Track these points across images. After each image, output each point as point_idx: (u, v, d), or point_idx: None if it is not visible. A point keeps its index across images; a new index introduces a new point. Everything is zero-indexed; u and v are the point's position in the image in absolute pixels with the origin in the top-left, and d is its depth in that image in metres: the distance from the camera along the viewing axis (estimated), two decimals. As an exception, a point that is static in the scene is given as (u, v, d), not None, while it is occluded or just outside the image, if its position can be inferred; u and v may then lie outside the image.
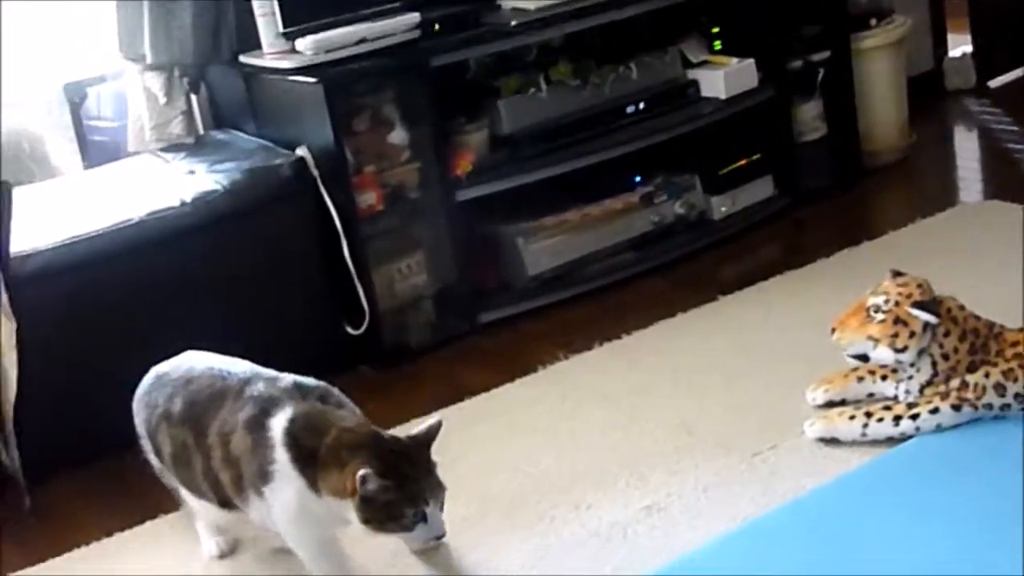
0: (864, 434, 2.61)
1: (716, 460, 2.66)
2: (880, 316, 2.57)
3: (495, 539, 2.50)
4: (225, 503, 2.34)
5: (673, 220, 3.81)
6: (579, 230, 3.67)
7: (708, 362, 3.11)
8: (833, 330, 2.65)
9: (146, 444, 2.50)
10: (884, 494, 2.43)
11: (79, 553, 2.72)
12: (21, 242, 2.89)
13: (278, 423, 2.22)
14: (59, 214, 3.18)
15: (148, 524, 2.77)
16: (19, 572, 2.67)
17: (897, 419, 2.58)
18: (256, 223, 3.27)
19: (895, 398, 2.66)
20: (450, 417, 3.01)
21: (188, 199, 3.20)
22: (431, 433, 2.23)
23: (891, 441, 2.58)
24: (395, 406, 3.05)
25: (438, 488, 2.19)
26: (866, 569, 2.21)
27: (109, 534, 2.76)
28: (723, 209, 3.90)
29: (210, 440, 2.30)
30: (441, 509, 2.18)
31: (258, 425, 2.23)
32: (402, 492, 2.12)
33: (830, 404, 2.76)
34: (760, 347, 3.13)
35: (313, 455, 2.18)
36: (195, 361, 2.49)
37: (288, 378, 2.33)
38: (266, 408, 2.25)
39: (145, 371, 3.06)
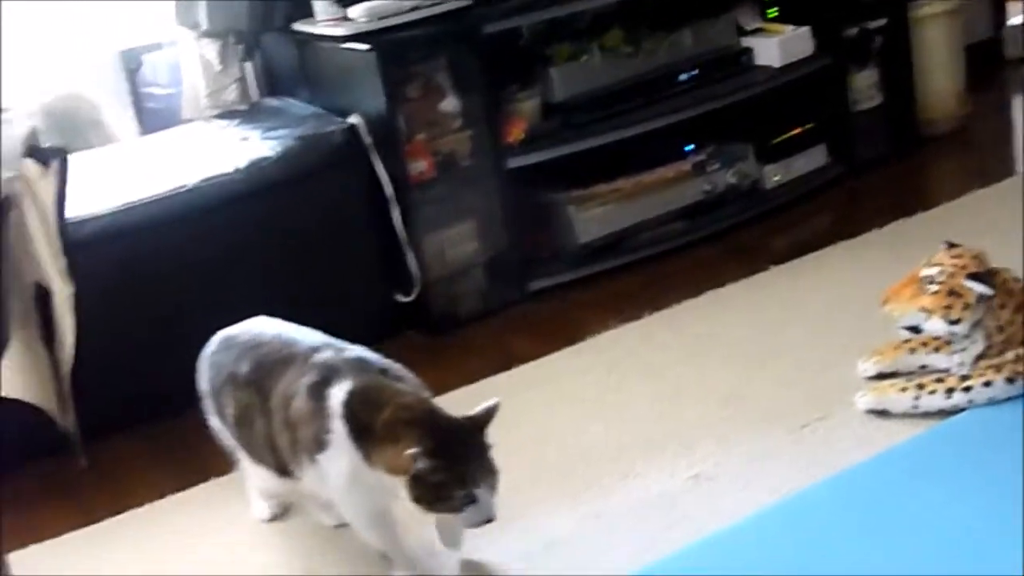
0: (915, 406, 2.59)
1: (765, 431, 2.65)
2: (934, 287, 2.55)
3: (543, 506, 2.51)
4: (282, 469, 2.35)
5: (725, 189, 3.79)
6: (630, 198, 3.66)
7: (758, 332, 3.09)
8: (885, 301, 2.63)
9: (209, 404, 2.52)
10: (935, 467, 2.41)
11: (133, 514, 2.76)
12: (78, 207, 2.92)
13: (337, 394, 2.22)
14: (115, 180, 3.21)
15: (200, 486, 2.80)
16: (75, 531, 2.72)
17: (949, 391, 2.56)
18: (308, 190, 3.29)
19: (948, 370, 2.63)
20: (499, 384, 3.04)
21: (241, 166, 3.22)
22: (487, 415, 2.20)
23: (943, 414, 2.56)
24: (444, 373, 3.06)
25: (490, 471, 2.16)
26: (915, 542, 2.19)
27: (162, 495, 2.80)
28: (776, 178, 3.88)
29: (273, 403, 2.31)
30: (493, 493, 2.15)
31: (318, 393, 2.24)
32: (452, 473, 2.11)
33: (881, 376, 2.74)
34: (811, 318, 3.11)
35: (369, 429, 2.18)
36: (264, 326, 2.50)
37: (354, 350, 2.33)
38: (327, 377, 2.25)
39: (198, 335, 3.09)
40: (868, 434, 2.57)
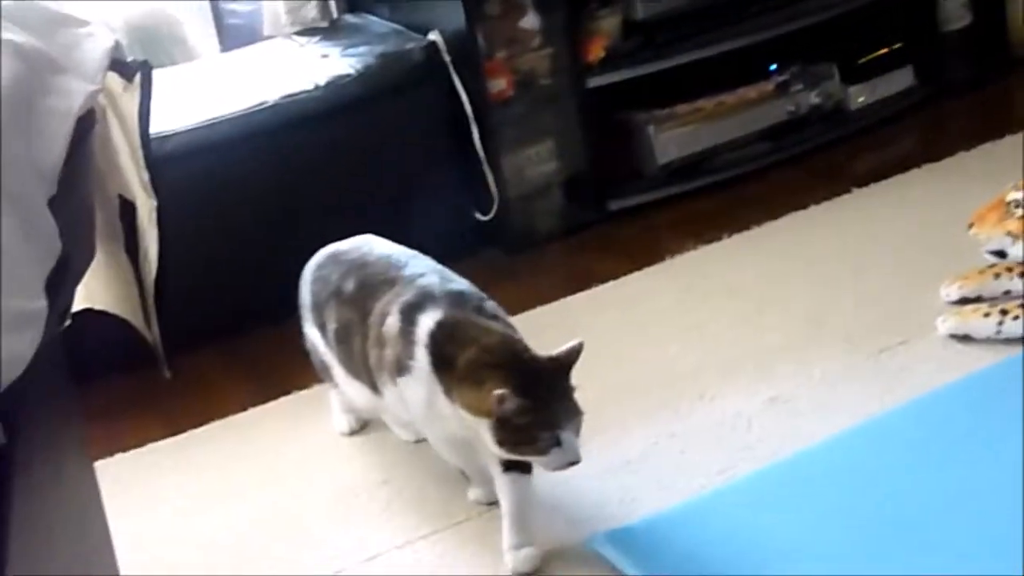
0: (998, 332, 2.55)
1: (844, 354, 2.63)
2: (1020, 212, 2.51)
3: (618, 425, 2.52)
4: (374, 386, 2.33)
5: (808, 110, 3.73)
6: (711, 119, 3.61)
7: (840, 255, 3.06)
8: (971, 225, 2.60)
9: (309, 316, 2.51)
10: (1016, 393, 2.38)
11: (215, 425, 2.81)
12: (160, 123, 2.94)
13: (426, 321, 2.17)
14: (196, 97, 3.23)
15: (281, 400, 2.84)
16: (159, 441, 2.78)
17: (1033, 318, 2.53)
18: (387, 107, 3.30)
19: (1032, 296, 2.60)
20: (576, 304, 3.05)
21: (321, 83, 3.23)
22: (572, 356, 2.10)
23: (1026, 340, 2.54)
24: (522, 291, 3.07)
25: (575, 413, 2.09)
26: (995, 467, 2.18)
27: (244, 408, 2.85)
28: (861, 99, 3.81)
29: (371, 320, 2.28)
30: (577, 434, 2.08)
31: (409, 316, 2.19)
32: (538, 415, 2.03)
33: (964, 301, 2.70)
34: (894, 241, 3.07)
35: (451, 364, 2.12)
36: (373, 245, 2.47)
37: (459, 282, 2.27)
38: (421, 303, 2.20)
39: (279, 251, 3.10)
40: (949, 359, 2.54)
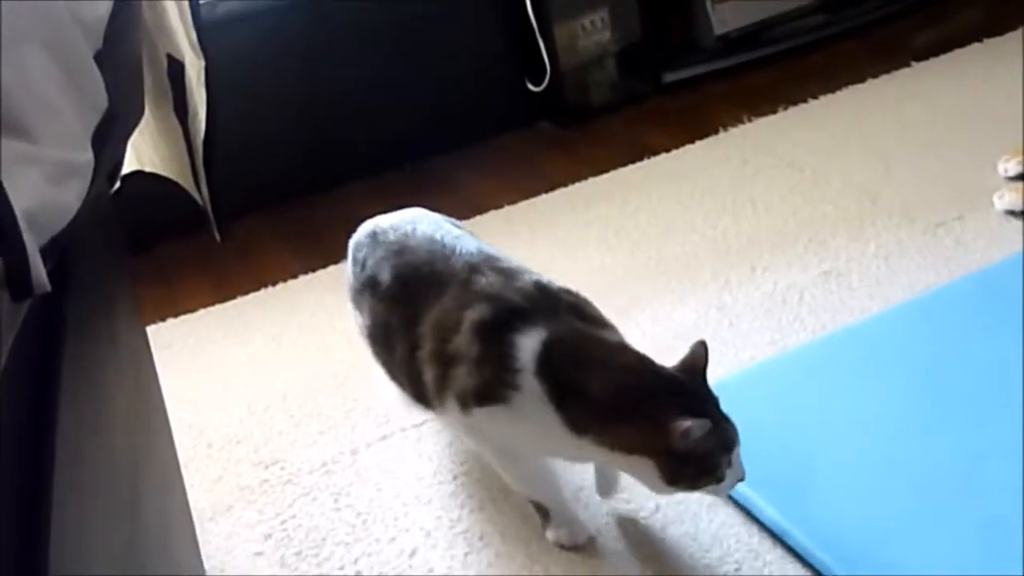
0: (1056, 208, 2.52)
1: (899, 228, 2.60)
2: (1085, 84, 2.45)
3: (669, 296, 2.51)
4: (419, 397, 1.96)
5: (870, -19, 3.65)
6: (770, -11, 3.54)
7: (897, 129, 3.01)
8: (1033, 99, 2.54)
9: (351, 300, 2.14)
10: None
11: (266, 292, 2.83)
12: (210, -13, 2.92)
13: (529, 344, 1.76)
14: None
15: (330, 268, 2.84)
16: (210, 307, 2.80)
17: (1093, 193, 2.48)
18: (439, -26, 3.25)
19: (1094, 171, 2.55)
20: (630, 176, 3.03)
21: (373, -53, 3.18)
22: (699, 360, 1.78)
23: (1085, 215, 2.50)
24: (575, 162, 3.05)
25: (734, 424, 1.76)
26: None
27: (294, 275, 2.86)
28: (924, -29, 3.72)
29: (422, 330, 1.89)
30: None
31: (496, 337, 1.79)
32: (718, 439, 1.71)
33: (1022, 176, 2.65)
34: (952, 116, 3.01)
35: (584, 396, 1.75)
36: (417, 223, 2.05)
37: (526, 277, 1.87)
38: (509, 319, 1.79)
39: (329, 119, 3.08)
40: (1005, 235, 2.51)
